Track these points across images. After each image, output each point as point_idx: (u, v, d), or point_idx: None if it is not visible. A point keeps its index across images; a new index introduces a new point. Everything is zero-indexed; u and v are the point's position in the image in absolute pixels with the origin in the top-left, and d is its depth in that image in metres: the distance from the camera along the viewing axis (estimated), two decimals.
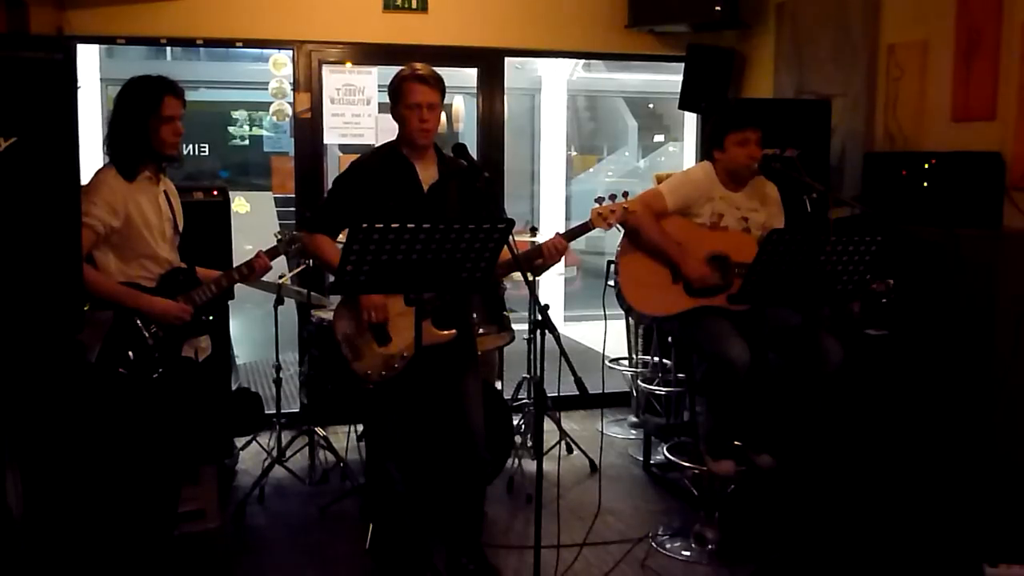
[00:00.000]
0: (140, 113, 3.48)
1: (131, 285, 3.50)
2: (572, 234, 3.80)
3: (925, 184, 4.63)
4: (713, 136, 4.41)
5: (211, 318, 3.76)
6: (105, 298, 3.44)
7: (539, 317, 3.17)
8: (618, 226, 3.89)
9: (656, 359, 6.18)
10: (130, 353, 3.47)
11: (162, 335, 3.54)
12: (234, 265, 3.84)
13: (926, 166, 4.64)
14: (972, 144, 4.66)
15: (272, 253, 3.87)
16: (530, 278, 3.61)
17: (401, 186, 3.78)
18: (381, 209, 3.66)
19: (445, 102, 3.87)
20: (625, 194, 3.78)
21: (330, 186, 3.97)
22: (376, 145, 4.16)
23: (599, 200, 3.74)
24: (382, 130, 6.10)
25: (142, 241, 3.54)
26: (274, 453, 5.24)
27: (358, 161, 3.92)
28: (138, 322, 3.50)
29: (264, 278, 4.16)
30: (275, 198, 7.98)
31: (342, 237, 3.76)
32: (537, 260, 3.70)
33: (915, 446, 4.38)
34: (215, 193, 5.02)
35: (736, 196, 4.41)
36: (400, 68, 3.81)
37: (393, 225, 2.93)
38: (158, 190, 3.64)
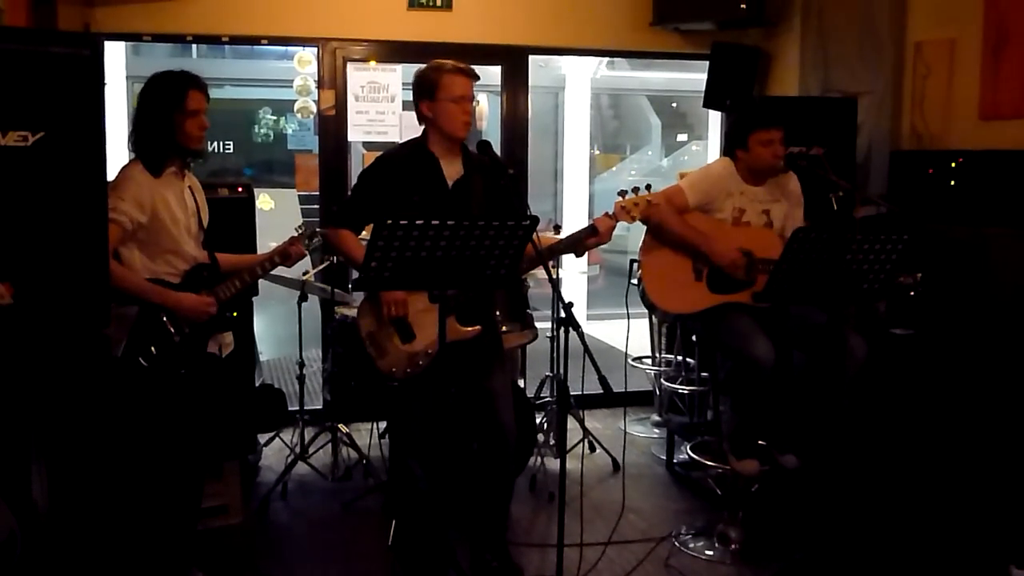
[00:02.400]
0: (165, 108, 3.48)
1: (156, 281, 3.52)
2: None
3: (952, 183, 4.60)
4: (736, 136, 4.38)
5: (235, 314, 3.77)
6: (133, 294, 3.45)
7: (562, 315, 3.16)
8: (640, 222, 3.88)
9: (679, 358, 6.15)
10: (152, 348, 3.49)
11: (188, 331, 3.56)
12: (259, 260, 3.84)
13: (953, 165, 4.61)
14: (1000, 142, 4.63)
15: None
16: (553, 275, 3.60)
17: (426, 182, 3.78)
18: (406, 204, 3.67)
19: None
20: (648, 187, 3.76)
21: (356, 180, 3.96)
22: (401, 141, 4.15)
23: (622, 193, 3.72)
24: (406, 127, 6.10)
25: (168, 237, 3.55)
26: (297, 449, 5.25)
27: (384, 156, 3.93)
28: (164, 318, 3.51)
29: (288, 274, 4.16)
30: (299, 195, 7.99)
31: (366, 233, 3.76)
32: (590, 240, 3.68)
33: (941, 446, 4.35)
34: (240, 190, 5.03)
35: (757, 190, 4.39)
36: (430, 62, 3.78)
37: (418, 220, 2.93)
38: (183, 185, 3.65)
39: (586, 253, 3.86)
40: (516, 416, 3.95)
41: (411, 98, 3.87)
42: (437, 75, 3.74)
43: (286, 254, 3.76)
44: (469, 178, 3.83)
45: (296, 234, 3.85)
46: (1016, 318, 4.18)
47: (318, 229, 3.96)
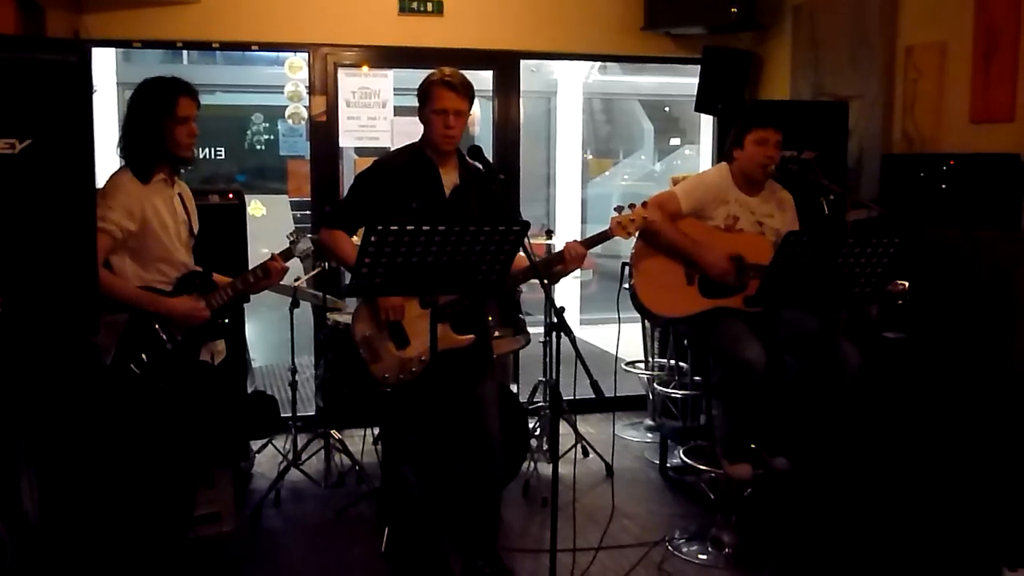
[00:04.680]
0: (155, 115, 3.47)
1: (148, 289, 3.50)
2: (591, 242, 3.79)
3: (943, 186, 4.60)
4: (735, 134, 4.39)
5: (226, 321, 3.76)
6: (125, 303, 3.43)
7: (555, 320, 3.16)
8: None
9: (672, 362, 6.15)
10: (143, 355, 3.47)
11: (180, 339, 3.54)
12: (249, 268, 3.83)
13: (944, 168, 4.61)
14: (991, 146, 4.63)
15: (285, 255, 3.86)
16: (547, 283, 3.60)
17: (424, 188, 3.78)
18: (403, 210, 3.66)
19: None
20: (644, 204, 3.77)
21: (352, 182, 3.96)
22: (393, 148, 4.15)
23: (618, 209, 3.73)
24: (398, 133, 6.11)
25: (159, 244, 3.54)
26: (290, 456, 5.24)
27: (382, 160, 3.92)
28: (157, 326, 3.50)
29: (280, 280, 4.15)
30: (291, 201, 8.00)
31: (357, 238, 3.75)
32: (556, 267, 3.70)
33: (933, 449, 4.35)
34: (231, 196, 5.02)
35: (751, 200, 4.40)
36: (431, 71, 3.80)
37: (408, 226, 2.93)
38: (173, 192, 3.63)
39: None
40: (508, 422, 3.95)
41: (402, 103, 3.88)
42: (428, 84, 3.76)
43: (267, 270, 3.74)
44: (466, 188, 3.83)
45: (287, 243, 3.85)
46: (1007, 321, 4.18)
47: (310, 236, 3.94)
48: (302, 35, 6.02)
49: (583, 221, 11.08)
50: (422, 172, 3.81)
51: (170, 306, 3.51)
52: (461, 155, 3.89)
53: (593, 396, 3.01)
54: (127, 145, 3.53)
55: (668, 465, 5.58)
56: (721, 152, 4.55)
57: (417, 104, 3.84)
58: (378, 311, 3.77)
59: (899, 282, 4.03)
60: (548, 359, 5.57)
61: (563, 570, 3.65)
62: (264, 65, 10.42)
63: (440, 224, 2.98)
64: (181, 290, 3.59)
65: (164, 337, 3.51)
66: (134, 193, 3.46)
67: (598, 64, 10.85)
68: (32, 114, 2.81)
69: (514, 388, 5.98)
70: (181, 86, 3.55)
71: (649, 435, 6.32)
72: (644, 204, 3.77)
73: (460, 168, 3.87)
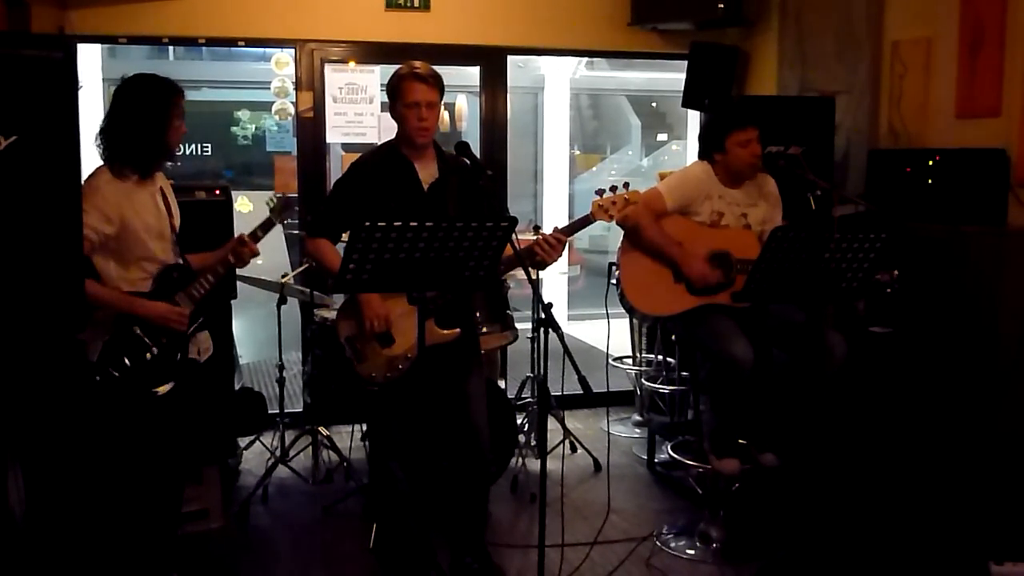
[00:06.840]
0: (160, 113, 3.45)
1: (133, 294, 3.48)
2: (572, 228, 3.75)
3: (930, 181, 4.62)
4: (713, 139, 4.38)
5: (201, 319, 3.71)
6: (103, 306, 3.40)
7: (543, 315, 3.15)
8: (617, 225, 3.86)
9: (660, 357, 6.16)
10: (126, 361, 3.45)
11: (165, 341, 3.51)
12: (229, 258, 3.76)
13: (930, 163, 4.63)
14: (977, 141, 4.65)
15: (266, 226, 3.78)
16: (533, 276, 3.58)
17: (401, 186, 3.76)
18: (382, 210, 3.64)
19: (448, 101, 3.85)
20: (626, 185, 3.74)
21: (331, 189, 3.95)
22: (377, 144, 4.13)
23: (600, 192, 3.71)
24: (385, 129, 6.09)
25: (140, 244, 3.49)
26: (277, 453, 5.24)
27: (357, 162, 3.90)
28: (137, 330, 3.47)
29: (267, 277, 4.13)
30: (278, 197, 8.00)
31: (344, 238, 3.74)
32: (536, 257, 3.64)
33: (920, 444, 4.37)
34: (217, 193, 5.00)
35: (735, 193, 4.40)
36: (398, 66, 3.79)
37: (395, 223, 2.92)
38: (155, 188, 3.59)
39: (565, 253, 3.83)
40: (496, 418, 3.94)
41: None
42: (397, 79, 3.74)
43: (238, 254, 3.69)
44: (445, 180, 3.82)
45: (268, 212, 3.81)
46: (993, 316, 4.20)
47: (288, 196, 3.88)
48: (289, 31, 6.00)
49: (571, 217, 11.06)
50: (398, 169, 3.79)
51: (145, 308, 3.48)
52: (439, 148, 3.87)
53: (581, 392, 3.01)
54: (121, 143, 3.46)
55: (656, 460, 5.58)
56: (701, 155, 4.52)
57: (389, 99, 3.81)
58: (362, 317, 3.76)
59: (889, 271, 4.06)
60: (536, 355, 5.56)
61: (551, 566, 3.65)
62: (251, 61, 10.39)
63: (422, 221, 2.97)
64: (160, 285, 3.55)
65: (148, 342, 3.49)
66: (110, 196, 3.41)
67: (585, 60, 10.85)
68: (17, 110, 2.79)
69: (502, 384, 5.97)
70: (175, 86, 3.53)
71: (637, 430, 6.32)
72: (626, 185, 3.72)
73: (438, 161, 3.86)
